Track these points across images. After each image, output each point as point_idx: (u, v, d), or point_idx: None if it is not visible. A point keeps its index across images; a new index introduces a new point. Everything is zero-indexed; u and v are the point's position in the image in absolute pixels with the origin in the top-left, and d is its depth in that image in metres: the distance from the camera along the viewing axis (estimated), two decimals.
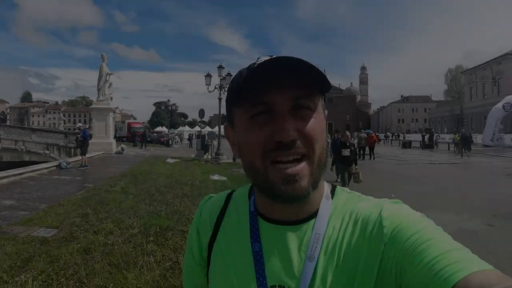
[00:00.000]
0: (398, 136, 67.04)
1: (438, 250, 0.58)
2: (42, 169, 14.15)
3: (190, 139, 43.60)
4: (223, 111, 24.48)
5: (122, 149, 25.66)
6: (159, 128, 74.74)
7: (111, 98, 25.69)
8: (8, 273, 4.26)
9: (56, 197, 9.14)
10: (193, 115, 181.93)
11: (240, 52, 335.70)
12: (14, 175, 12.01)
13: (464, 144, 27.01)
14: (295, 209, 0.75)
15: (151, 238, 5.61)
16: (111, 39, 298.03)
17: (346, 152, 9.79)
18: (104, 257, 4.77)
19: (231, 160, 20.55)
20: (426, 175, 15.55)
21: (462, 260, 0.55)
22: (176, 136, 54.93)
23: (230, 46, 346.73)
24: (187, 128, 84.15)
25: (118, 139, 38.04)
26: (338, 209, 0.77)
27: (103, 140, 24.14)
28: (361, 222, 0.72)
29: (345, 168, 9.91)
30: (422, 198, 9.61)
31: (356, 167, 9.85)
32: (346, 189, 0.84)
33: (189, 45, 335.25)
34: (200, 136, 23.63)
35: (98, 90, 24.84)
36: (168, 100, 52.21)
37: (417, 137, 48.86)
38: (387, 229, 0.67)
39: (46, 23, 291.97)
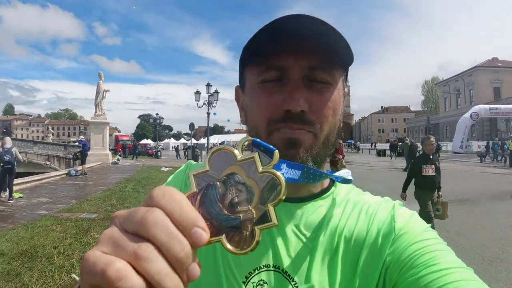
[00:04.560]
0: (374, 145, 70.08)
1: (446, 263, 0.57)
2: (55, 176, 16.36)
3: (177, 150, 45.50)
4: (211, 124, 26.94)
5: (118, 159, 27.91)
6: (144, 141, 76.29)
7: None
8: (78, 234, 6.51)
9: (80, 195, 11.35)
10: (176, 127, 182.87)
11: (223, 64, 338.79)
12: (36, 180, 14.19)
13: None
14: (297, 186, 0.68)
15: None
16: (92, 51, 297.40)
17: (430, 170, 6.28)
18: None
19: None
20: (385, 177, 18.11)
21: (474, 280, 0.55)
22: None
23: (213, 58, 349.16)
24: (172, 140, 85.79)
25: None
26: (340, 197, 0.75)
27: (100, 152, 26.13)
28: (368, 213, 0.71)
29: (428, 194, 6.32)
30: (372, 192, 12.08)
31: (440, 193, 6.42)
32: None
33: (171, 57, 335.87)
34: (191, 147, 25.89)
35: (96, 105, 26.91)
36: (157, 114, 54.09)
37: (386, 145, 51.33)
38: (399, 225, 0.66)
39: (27, 36, 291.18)
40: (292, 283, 0.65)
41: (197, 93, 24.03)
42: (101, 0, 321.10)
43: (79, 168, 17.99)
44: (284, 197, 0.38)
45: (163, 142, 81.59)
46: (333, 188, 0.78)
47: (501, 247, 6.03)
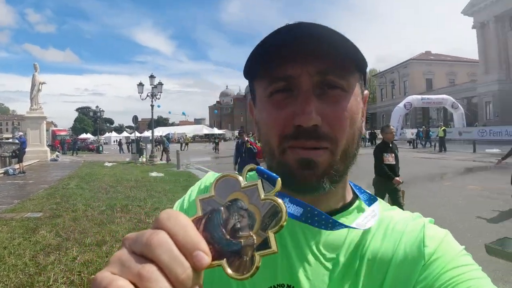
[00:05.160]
0: None
1: None
2: None
3: (120, 144, 44.53)
4: (155, 116, 26.57)
5: (57, 156, 26.87)
6: (83, 135, 73.43)
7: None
8: (26, 233, 6.47)
9: (22, 195, 11.01)
10: (118, 120, 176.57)
11: (166, 53, 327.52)
12: None
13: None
14: (315, 202, 0.63)
15: (118, 209, 8.12)
16: (24, 40, 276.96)
17: (390, 159, 6.33)
18: (89, 221, 7.17)
19: (164, 162, 22.90)
20: None
21: None
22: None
23: (155, 47, 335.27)
24: (114, 134, 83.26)
25: None
26: (365, 214, 0.69)
27: (38, 148, 25.00)
28: (394, 233, 0.65)
29: (385, 184, 6.35)
30: None
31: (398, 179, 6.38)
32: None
33: (110, 46, 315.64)
34: (135, 140, 25.51)
35: (31, 99, 25.62)
36: (97, 107, 52.52)
37: None
38: (430, 249, 0.61)
39: None
40: None
41: (140, 85, 23.61)
42: None
43: (17, 166, 17.27)
44: (284, 224, 0.39)
45: (104, 136, 79.11)
46: (357, 202, 0.73)
47: None
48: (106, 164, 21.56)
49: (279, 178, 0.45)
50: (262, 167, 0.48)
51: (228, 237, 0.39)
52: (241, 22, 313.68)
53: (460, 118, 39.57)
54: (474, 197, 9.47)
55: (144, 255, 0.34)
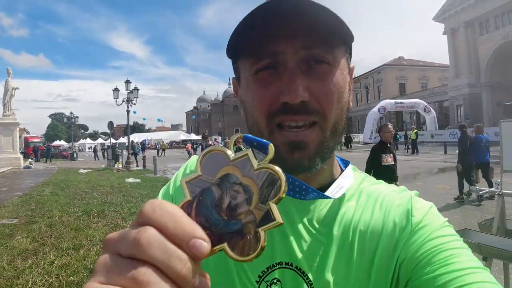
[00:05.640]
0: None
1: (464, 263, 0.55)
2: None
3: (95, 151, 43.97)
4: (130, 122, 26.34)
5: (31, 163, 26.36)
6: (57, 142, 71.86)
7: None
8: (2, 239, 6.43)
9: None
10: (92, 126, 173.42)
11: (142, 58, 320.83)
12: None
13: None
14: (304, 179, 0.64)
15: (94, 215, 8.12)
16: None
17: (388, 159, 6.10)
18: (65, 227, 7.17)
19: (141, 168, 22.74)
20: None
21: (491, 282, 0.53)
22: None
23: (131, 52, 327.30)
24: (88, 140, 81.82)
25: None
26: (353, 188, 0.71)
27: (10, 155, 24.42)
28: (383, 205, 0.68)
29: None
30: None
31: (398, 183, 5.63)
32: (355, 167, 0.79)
33: (84, 51, 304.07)
34: (111, 147, 25.24)
35: (4, 105, 25.05)
36: (71, 113, 51.73)
37: None
38: (417, 219, 0.64)
39: None
40: (306, 280, 0.63)
41: (116, 90, 23.40)
42: None
43: None
44: (285, 194, 0.35)
45: (78, 142, 77.56)
46: (351, 177, 0.74)
47: None
48: (81, 171, 21.29)
49: (271, 144, 0.40)
50: (249, 135, 0.45)
51: (225, 217, 0.35)
52: (218, 28, 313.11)
53: (432, 121, 40.54)
54: (442, 195, 9.91)
55: (135, 257, 0.30)
